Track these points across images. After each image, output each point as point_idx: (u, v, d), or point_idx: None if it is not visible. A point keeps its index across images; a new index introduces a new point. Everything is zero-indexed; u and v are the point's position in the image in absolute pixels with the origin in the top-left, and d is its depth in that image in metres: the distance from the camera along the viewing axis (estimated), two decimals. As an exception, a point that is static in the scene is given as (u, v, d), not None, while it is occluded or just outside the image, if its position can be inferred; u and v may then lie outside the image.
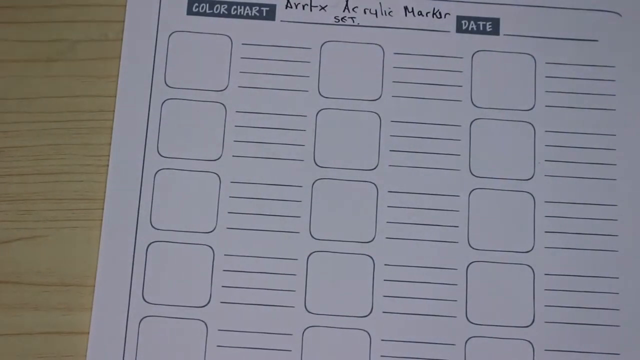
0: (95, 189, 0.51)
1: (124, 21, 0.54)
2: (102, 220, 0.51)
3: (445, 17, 0.54)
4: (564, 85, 0.53)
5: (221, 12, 0.54)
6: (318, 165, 0.52)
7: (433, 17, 0.54)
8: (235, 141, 0.52)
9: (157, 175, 0.51)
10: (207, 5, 0.54)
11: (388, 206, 0.51)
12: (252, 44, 0.54)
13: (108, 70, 0.53)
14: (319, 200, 0.51)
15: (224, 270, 0.50)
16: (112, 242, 0.50)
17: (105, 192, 0.51)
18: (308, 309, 0.50)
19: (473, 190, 0.52)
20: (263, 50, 0.54)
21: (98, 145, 0.52)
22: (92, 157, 0.52)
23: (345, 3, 0.55)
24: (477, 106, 0.53)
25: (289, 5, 0.54)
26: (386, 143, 0.52)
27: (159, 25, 0.54)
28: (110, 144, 0.52)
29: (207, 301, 0.50)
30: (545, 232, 0.51)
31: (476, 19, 0.54)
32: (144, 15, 0.54)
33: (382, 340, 0.50)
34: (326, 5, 0.55)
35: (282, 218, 0.51)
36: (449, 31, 0.54)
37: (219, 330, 0.49)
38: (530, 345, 0.50)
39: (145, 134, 0.52)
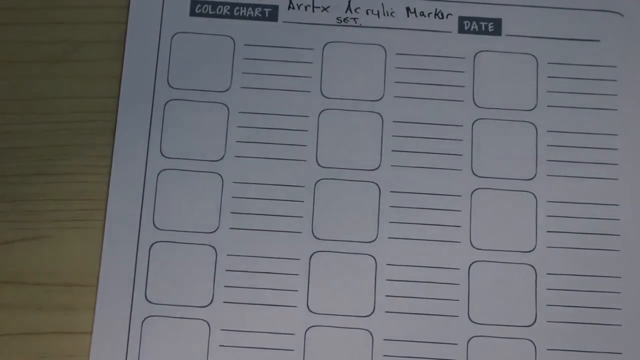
0: (98, 189, 0.51)
1: (126, 22, 0.54)
2: (105, 220, 0.51)
3: (447, 17, 0.54)
4: (566, 85, 0.53)
5: (224, 13, 0.54)
6: (320, 166, 0.52)
7: (435, 17, 0.54)
8: (237, 141, 0.52)
9: (160, 175, 0.52)
10: (210, 6, 0.54)
11: (390, 206, 0.51)
12: (255, 45, 0.54)
13: (111, 71, 0.53)
14: (321, 200, 0.51)
15: (227, 270, 0.50)
16: (115, 243, 0.50)
17: (108, 193, 0.51)
18: (310, 308, 0.50)
19: (475, 190, 0.52)
20: (265, 51, 0.54)
21: (101, 145, 0.52)
22: (95, 157, 0.52)
23: (347, 4, 0.55)
24: (479, 106, 0.53)
25: (291, 6, 0.55)
26: (388, 143, 0.52)
27: (162, 27, 0.54)
28: (113, 144, 0.52)
29: (209, 301, 0.50)
30: (548, 231, 0.51)
31: (478, 20, 0.54)
32: (146, 17, 0.54)
33: (385, 339, 0.50)
34: (328, 6, 0.55)
35: (284, 218, 0.51)
36: (451, 32, 0.54)
37: (222, 330, 0.49)
38: (533, 345, 0.50)
39: (148, 135, 0.52)
